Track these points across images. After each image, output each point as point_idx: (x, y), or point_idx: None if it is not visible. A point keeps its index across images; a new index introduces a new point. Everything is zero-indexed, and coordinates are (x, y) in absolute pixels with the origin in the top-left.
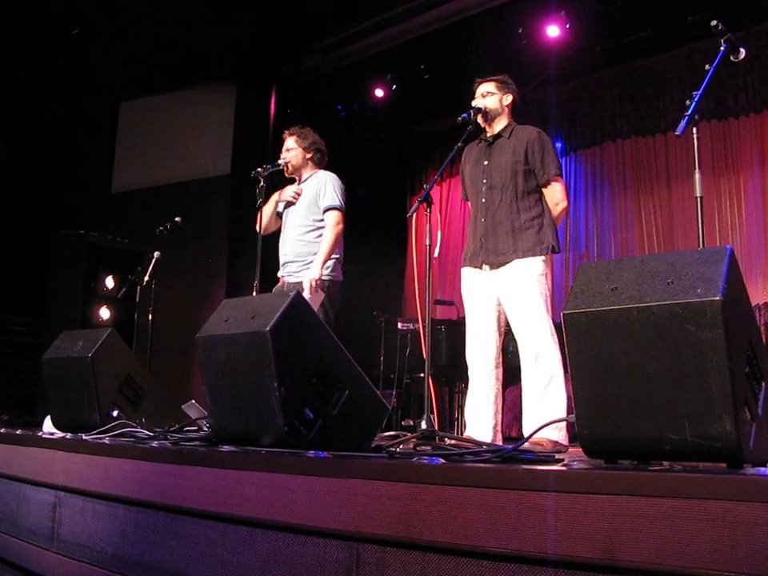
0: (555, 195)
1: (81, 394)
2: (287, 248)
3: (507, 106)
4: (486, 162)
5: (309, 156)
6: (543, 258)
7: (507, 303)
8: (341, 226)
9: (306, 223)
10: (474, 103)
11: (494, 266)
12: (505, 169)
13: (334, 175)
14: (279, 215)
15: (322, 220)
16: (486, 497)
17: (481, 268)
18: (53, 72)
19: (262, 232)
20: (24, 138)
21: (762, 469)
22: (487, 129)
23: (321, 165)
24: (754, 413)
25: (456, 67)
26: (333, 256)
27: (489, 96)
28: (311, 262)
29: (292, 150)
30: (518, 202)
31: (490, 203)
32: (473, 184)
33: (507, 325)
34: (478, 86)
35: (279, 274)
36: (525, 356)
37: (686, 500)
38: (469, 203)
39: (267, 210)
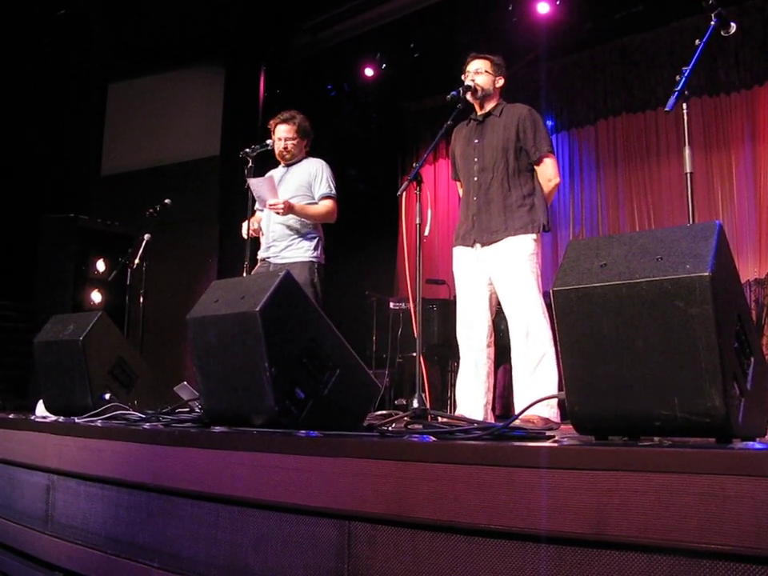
0: (547, 171)
1: (72, 378)
2: (272, 229)
3: (499, 88)
4: (476, 141)
5: (304, 144)
6: (534, 236)
7: (498, 281)
8: (335, 215)
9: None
10: (465, 78)
11: (486, 243)
12: (496, 147)
13: (325, 163)
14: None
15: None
16: (476, 474)
17: (473, 246)
18: (40, 53)
19: (248, 237)
20: (11, 120)
21: (750, 443)
22: (477, 107)
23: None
24: (742, 388)
25: (446, 45)
26: (316, 235)
27: (482, 74)
28: (297, 241)
29: (291, 140)
30: (509, 180)
31: (482, 182)
32: (464, 163)
33: (498, 304)
34: (472, 60)
35: (262, 256)
36: (515, 334)
37: (674, 475)
38: (458, 183)
39: (254, 223)
